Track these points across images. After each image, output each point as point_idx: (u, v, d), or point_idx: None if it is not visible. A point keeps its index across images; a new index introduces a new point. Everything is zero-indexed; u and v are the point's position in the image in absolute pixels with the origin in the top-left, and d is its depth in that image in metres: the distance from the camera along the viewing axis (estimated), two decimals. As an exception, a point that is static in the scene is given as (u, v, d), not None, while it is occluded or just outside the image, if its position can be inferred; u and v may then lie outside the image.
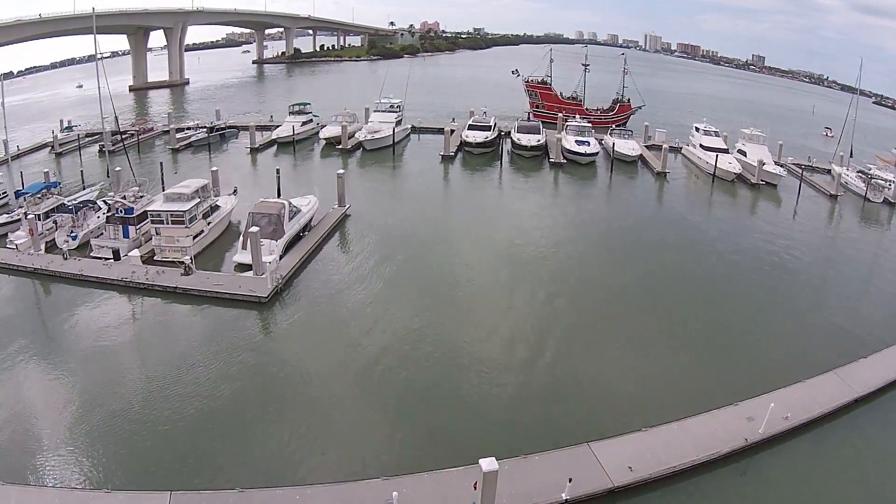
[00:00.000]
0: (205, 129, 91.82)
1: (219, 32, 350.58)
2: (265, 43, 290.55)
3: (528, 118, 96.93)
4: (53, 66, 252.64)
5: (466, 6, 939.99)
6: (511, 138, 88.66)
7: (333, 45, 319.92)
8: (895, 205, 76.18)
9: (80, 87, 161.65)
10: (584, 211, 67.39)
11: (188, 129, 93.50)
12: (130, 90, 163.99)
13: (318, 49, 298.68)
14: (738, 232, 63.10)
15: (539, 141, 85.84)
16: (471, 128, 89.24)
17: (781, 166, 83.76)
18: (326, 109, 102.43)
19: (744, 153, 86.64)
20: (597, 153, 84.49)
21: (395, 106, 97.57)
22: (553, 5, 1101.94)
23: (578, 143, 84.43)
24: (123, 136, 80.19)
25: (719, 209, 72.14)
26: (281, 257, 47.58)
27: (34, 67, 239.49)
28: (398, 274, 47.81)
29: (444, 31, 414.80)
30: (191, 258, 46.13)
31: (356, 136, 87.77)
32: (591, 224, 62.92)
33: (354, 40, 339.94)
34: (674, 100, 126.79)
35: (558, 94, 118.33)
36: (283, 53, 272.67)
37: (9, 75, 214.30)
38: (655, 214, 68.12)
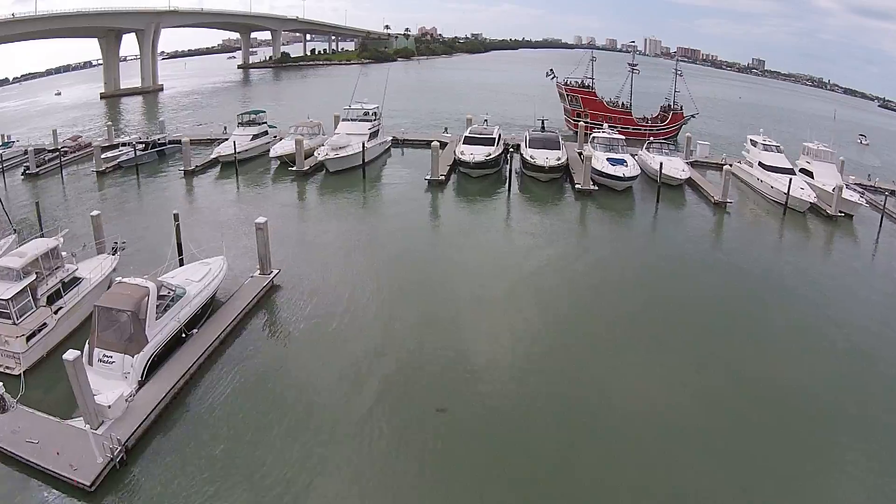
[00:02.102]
0: (140, 145, 70.58)
1: (214, 38, 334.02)
2: (255, 49, 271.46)
3: (542, 126, 74.53)
4: (48, 72, 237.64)
5: (465, 12, 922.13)
6: (521, 155, 66.61)
7: (325, 50, 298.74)
8: None
9: (59, 94, 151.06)
10: (631, 270, 44.95)
11: (123, 145, 72.06)
12: (102, 98, 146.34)
13: (308, 53, 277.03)
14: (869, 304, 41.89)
15: (559, 160, 64.00)
16: (468, 141, 67.05)
17: (860, 193, 63.85)
18: (298, 117, 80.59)
19: (809, 173, 67.53)
20: (637, 176, 62.86)
21: (370, 113, 75.15)
22: (551, 11, 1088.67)
23: (612, 162, 63.07)
24: (51, 155, 65.99)
25: (812, 259, 51.59)
26: (141, 386, 26.36)
27: (30, 74, 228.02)
28: (353, 413, 26.67)
29: (440, 36, 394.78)
30: (21, 376, 27.06)
31: (316, 153, 65.92)
32: (645, 301, 39.78)
33: (349, 45, 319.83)
34: (690, 104, 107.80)
35: (605, 100, 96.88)
36: (270, 58, 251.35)
37: (3, 82, 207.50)
38: (739, 276, 45.40)
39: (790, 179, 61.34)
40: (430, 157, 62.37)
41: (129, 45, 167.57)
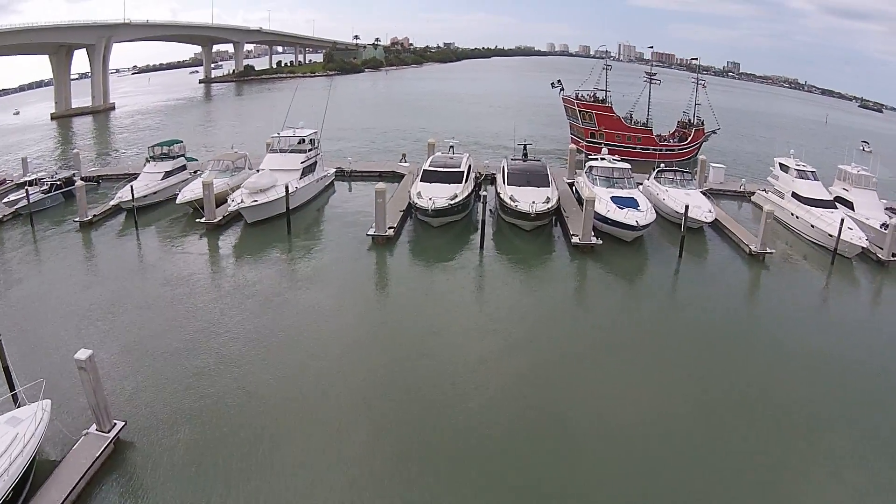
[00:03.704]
0: (40, 186, 54.26)
1: (187, 52, 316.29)
2: (220, 63, 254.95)
3: (525, 153, 58.57)
4: (21, 88, 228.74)
5: (437, 22, 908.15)
6: (498, 194, 50.52)
7: (291, 62, 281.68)
8: None
9: (17, 113, 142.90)
10: (655, 381, 29.18)
11: (30, 182, 54.84)
12: (52, 118, 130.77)
13: (274, 66, 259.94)
14: None
15: (548, 202, 47.34)
16: (427, 177, 50.40)
17: None
18: (244, 139, 64.01)
19: (847, 203, 54.26)
20: (653, 221, 46.76)
21: (305, 141, 58.27)
22: (524, 19, 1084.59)
23: (619, 202, 47.35)
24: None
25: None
26: None
27: (3, 90, 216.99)
28: None
29: (411, 45, 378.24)
30: None
31: (230, 199, 48.82)
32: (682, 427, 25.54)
33: (318, 57, 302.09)
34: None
35: (623, 117, 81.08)
36: (233, 71, 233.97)
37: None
38: (802, 370, 30.64)
39: (842, 219, 47.06)
40: (374, 206, 45.15)
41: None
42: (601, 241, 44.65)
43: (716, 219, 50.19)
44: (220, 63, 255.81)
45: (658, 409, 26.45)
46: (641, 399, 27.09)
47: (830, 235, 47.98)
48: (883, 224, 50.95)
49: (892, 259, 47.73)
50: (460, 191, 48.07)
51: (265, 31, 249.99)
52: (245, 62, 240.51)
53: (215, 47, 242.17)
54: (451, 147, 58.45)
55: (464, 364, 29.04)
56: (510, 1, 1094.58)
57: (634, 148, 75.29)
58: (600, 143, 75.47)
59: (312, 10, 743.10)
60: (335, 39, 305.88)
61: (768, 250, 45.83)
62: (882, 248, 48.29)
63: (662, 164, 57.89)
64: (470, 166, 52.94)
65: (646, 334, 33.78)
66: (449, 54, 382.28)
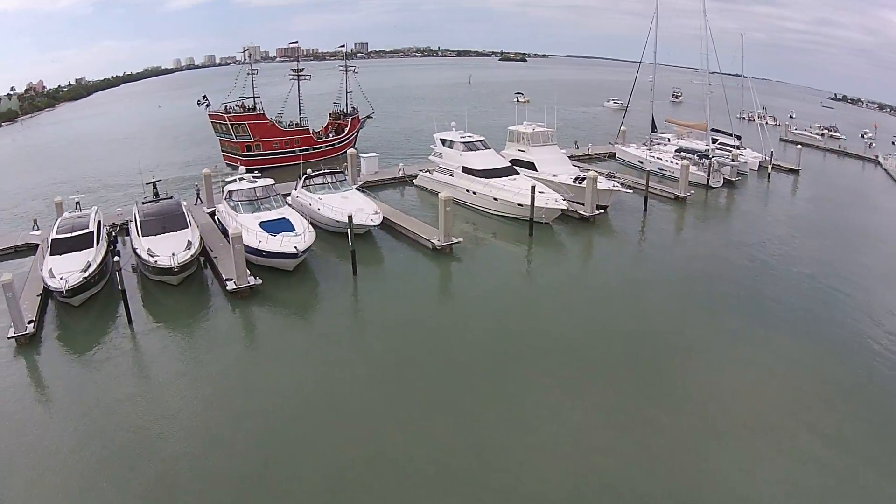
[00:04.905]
0: None
1: None
2: None
3: (155, 192, 48.12)
4: None
5: (66, 59, 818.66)
6: (134, 249, 40.88)
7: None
8: None
9: None
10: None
11: None
12: None
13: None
14: None
15: (190, 247, 38.87)
16: (56, 247, 38.32)
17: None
18: None
19: (529, 165, 54.90)
20: (312, 243, 40.05)
21: None
22: (147, 41, 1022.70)
23: (269, 228, 40.53)
24: None
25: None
26: None
27: None
28: None
29: (45, 88, 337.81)
30: None
31: None
32: None
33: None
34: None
35: (276, 121, 73.83)
36: None
37: None
38: None
39: (532, 186, 46.48)
40: (6, 301, 32.80)
41: None
42: (260, 280, 37.55)
43: (384, 218, 45.09)
44: None
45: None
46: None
47: (520, 205, 45.56)
48: (577, 178, 49.61)
49: (597, 213, 46.45)
50: (94, 256, 37.73)
51: None
52: None
53: None
54: (77, 203, 46.99)
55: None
56: (133, 24, 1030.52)
57: (294, 152, 68.97)
58: (259, 156, 68.43)
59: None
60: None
61: (455, 240, 42.02)
62: (583, 204, 46.84)
63: (309, 170, 51.87)
64: (100, 222, 42.45)
65: (343, 371, 29.10)
66: (79, 90, 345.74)
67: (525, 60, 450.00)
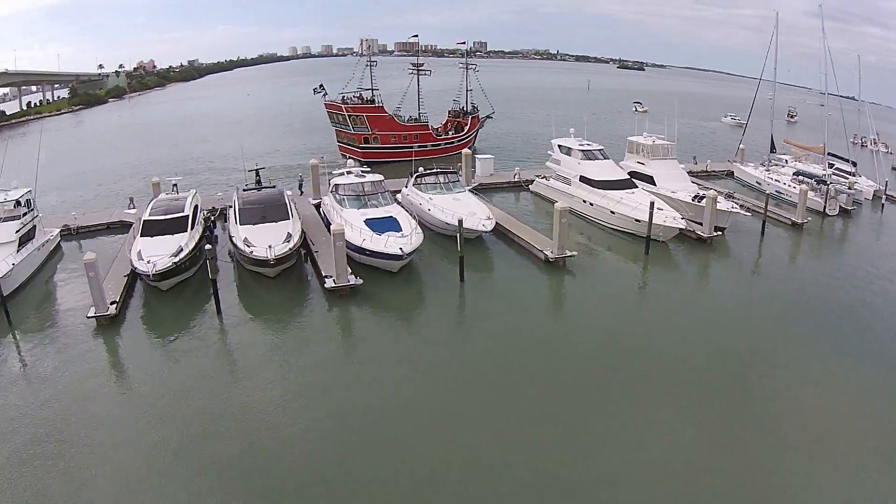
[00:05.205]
0: None
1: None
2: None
3: (258, 179, 46.77)
4: None
5: (180, 41, 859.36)
6: (230, 237, 38.73)
7: (40, 101, 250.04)
8: None
9: None
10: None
11: None
12: None
13: (24, 108, 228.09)
14: None
15: (289, 239, 36.31)
16: (147, 229, 36.90)
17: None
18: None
19: (648, 179, 50.93)
20: (419, 246, 36.72)
21: (21, 203, 40.54)
22: (264, 27, 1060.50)
23: (375, 226, 37.60)
24: None
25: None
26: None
27: None
28: None
29: (155, 68, 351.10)
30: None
31: None
32: None
33: (64, 92, 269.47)
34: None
35: (394, 115, 72.12)
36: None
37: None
38: None
39: (651, 202, 42.59)
40: (88, 280, 31.42)
41: None
42: (361, 281, 34.49)
43: (497, 223, 41.63)
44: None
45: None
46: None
47: (637, 221, 41.78)
48: (695, 196, 45.67)
49: (714, 235, 42.23)
50: (186, 241, 35.91)
51: (11, 72, 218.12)
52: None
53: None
54: (175, 185, 45.94)
55: None
56: (252, 10, 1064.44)
57: (412, 147, 66.95)
58: (377, 148, 66.56)
59: (61, 44, 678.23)
60: (79, 72, 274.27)
61: (569, 253, 38.24)
62: (701, 224, 42.70)
63: (421, 168, 48.67)
64: (196, 206, 40.77)
65: (446, 389, 26.19)
66: (192, 72, 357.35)
67: (643, 69, 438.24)
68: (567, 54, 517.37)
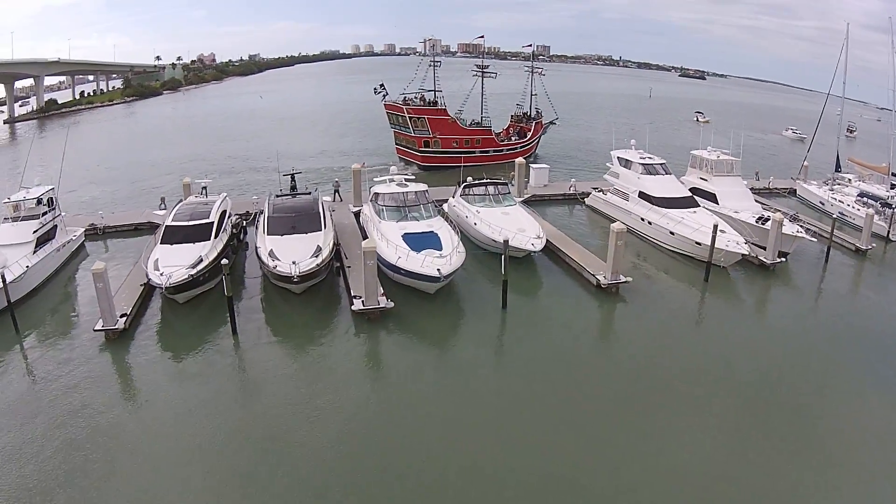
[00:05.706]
0: None
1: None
2: (27, 99, 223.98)
3: (293, 185, 44.68)
4: None
5: (240, 35, 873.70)
6: (257, 249, 34.96)
7: (94, 91, 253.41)
8: None
9: None
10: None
11: None
12: None
13: (77, 97, 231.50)
14: None
15: (318, 254, 33.03)
16: (168, 236, 34.48)
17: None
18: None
19: (711, 197, 46.44)
20: (458, 268, 33.00)
21: (42, 202, 38.55)
22: (325, 23, 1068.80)
23: (414, 242, 33.94)
24: None
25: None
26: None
27: None
28: None
29: (214, 61, 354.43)
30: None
31: None
32: None
33: (119, 82, 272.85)
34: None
35: (456, 118, 68.57)
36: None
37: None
38: None
39: (715, 225, 38.19)
40: (96, 292, 28.97)
41: None
42: (392, 304, 30.99)
43: (547, 241, 37.73)
44: (27, 99, 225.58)
45: None
46: None
47: (698, 244, 37.50)
48: (760, 218, 41.37)
49: (778, 262, 37.75)
50: (207, 251, 33.07)
51: (65, 61, 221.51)
52: (51, 95, 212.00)
53: (20, 83, 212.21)
54: (204, 188, 43.16)
55: None
56: (313, 6, 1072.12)
57: (474, 153, 63.17)
58: (437, 153, 63.64)
59: (119, 35, 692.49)
60: (136, 63, 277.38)
61: (623, 279, 34.21)
62: (764, 249, 38.25)
63: (470, 178, 45.03)
64: (224, 212, 37.91)
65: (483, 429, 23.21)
66: (251, 66, 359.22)
67: (704, 78, 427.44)
68: (630, 61, 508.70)
